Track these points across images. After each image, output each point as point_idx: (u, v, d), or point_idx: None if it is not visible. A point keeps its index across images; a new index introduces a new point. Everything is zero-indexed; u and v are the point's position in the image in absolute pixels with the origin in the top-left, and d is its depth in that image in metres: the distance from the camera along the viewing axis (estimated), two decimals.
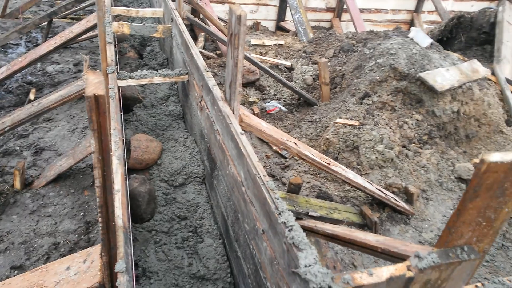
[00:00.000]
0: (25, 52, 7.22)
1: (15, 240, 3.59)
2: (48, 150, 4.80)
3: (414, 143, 5.41)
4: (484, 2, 12.37)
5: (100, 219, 1.97)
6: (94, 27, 6.09)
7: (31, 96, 5.83)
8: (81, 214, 3.95)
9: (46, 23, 7.57)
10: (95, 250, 2.29)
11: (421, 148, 5.39)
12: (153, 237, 3.62)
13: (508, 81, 6.72)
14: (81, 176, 4.43)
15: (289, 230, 2.03)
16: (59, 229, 3.74)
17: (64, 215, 3.91)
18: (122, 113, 4.47)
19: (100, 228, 2.01)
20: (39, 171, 4.44)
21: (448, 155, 5.48)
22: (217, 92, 3.60)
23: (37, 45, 7.53)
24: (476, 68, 6.03)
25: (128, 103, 5.32)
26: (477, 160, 5.50)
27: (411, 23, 12.06)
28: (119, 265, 1.99)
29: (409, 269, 1.67)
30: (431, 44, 6.34)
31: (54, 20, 8.05)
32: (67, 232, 3.72)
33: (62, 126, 5.27)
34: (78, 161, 4.31)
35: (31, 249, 3.52)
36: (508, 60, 7.43)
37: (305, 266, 1.82)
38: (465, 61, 6.52)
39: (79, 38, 6.95)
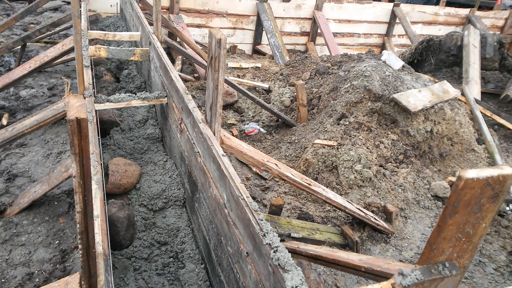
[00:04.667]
0: None
1: None
2: (22, 177, 4.65)
3: (390, 162, 5.53)
4: (451, 26, 12.99)
5: (80, 246, 1.91)
6: (70, 51, 6.03)
7: (4, 121, 5.69)
8: (56, 242, 3.81)
9: (19, 47, 7.45)
10: (74, 279, 2.21)
11: (398, 167, 5.51)
12: (132, 264, 3.52)
13: (477, 101, 7.02)
14: (56, 203, 4.30)
15: (274, 252, 2.02)
16: (33, 259, 3.59)
17: (39, 243, 3.76)
18: (99, 137, 4.40)
19: (80, 255, 1.95)
20: (12, 198, 4.28)
21: (424, 174, 5.62)
22: (198, 114, 3.60)
23: (10, 69, 7.39)
24: (446, 89, 6.27)
25: (105, 126, 5.25)
26: (452, 178, 5.66)
27: (382, 46, 12.50)
28: None
29: (393, 287, 1.69)
30: (403, 66, 6.58)
31: (28, 44, 7.94)
32: (41, 261, 3.58)
33: (36, 151, 5.13)
34: (53, 187, 4.19)
35: (3, 280, 3.36)
36: (476, 81, 7.77)
37: (292, 287, 1.81)
38: (435, 82, 6.77)
39: (54, 62, 6.86)
